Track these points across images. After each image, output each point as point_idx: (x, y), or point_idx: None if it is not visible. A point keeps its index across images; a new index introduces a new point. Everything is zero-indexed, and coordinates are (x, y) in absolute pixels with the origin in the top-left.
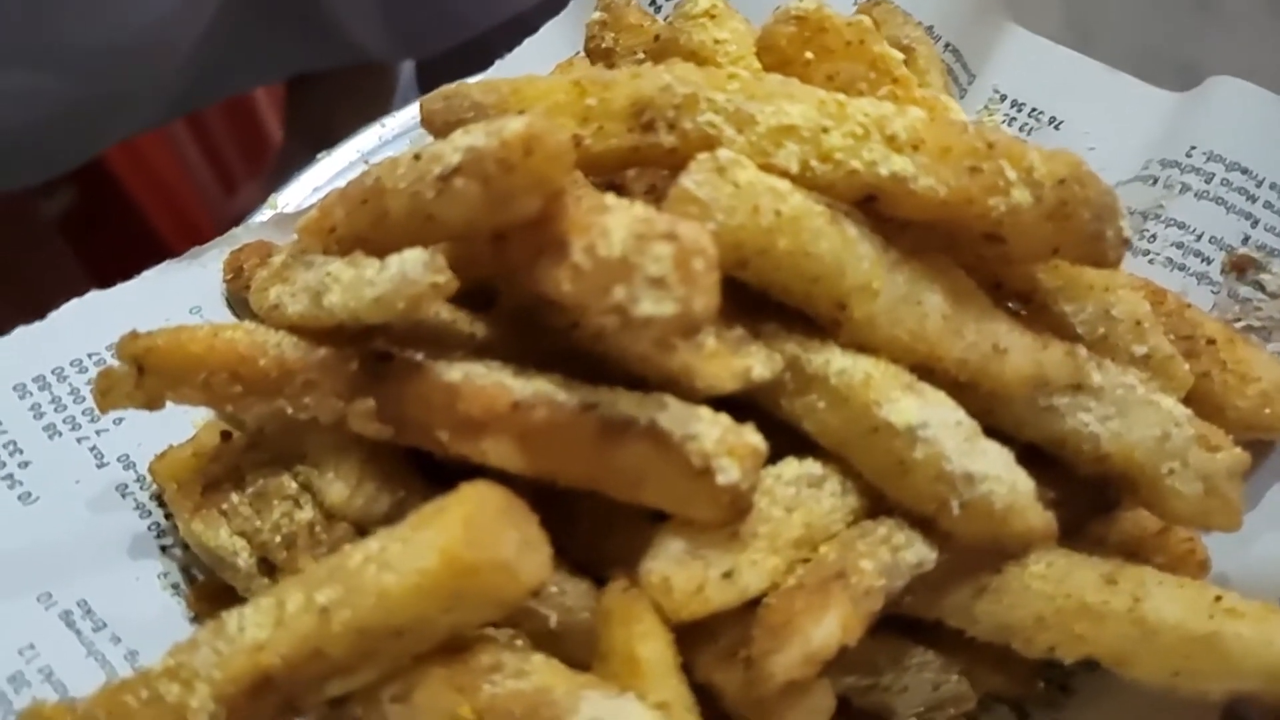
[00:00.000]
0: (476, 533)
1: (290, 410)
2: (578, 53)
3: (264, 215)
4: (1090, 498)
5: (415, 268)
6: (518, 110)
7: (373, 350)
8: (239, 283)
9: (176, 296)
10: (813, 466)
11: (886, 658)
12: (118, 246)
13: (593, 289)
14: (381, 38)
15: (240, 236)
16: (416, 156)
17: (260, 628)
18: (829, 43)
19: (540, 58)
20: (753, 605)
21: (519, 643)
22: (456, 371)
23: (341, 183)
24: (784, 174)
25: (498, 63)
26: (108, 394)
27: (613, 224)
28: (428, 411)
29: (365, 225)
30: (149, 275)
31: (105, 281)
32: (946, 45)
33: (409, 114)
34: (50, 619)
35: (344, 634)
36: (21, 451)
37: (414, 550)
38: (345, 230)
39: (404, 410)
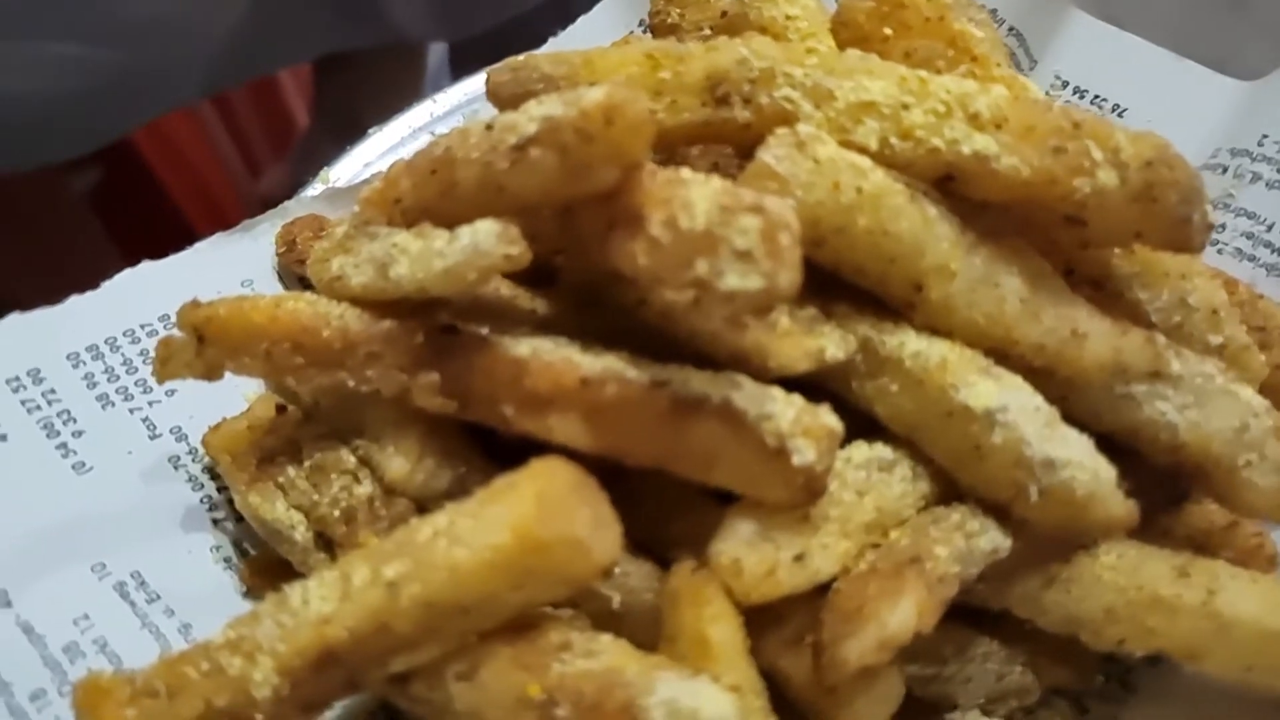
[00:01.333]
0: (549, 509)
1: (352, 383)
2: (631, 31)
3: (315, 189)
4: (1161, 489)
5: (488, 239)
6: (589, 82)
7: (438, 324)
8: (291, 256)
9: (228, 268)
10: (883, 450)
11: (952, 647)
12: (143, 225)
13: (672, 262)
14: (422, 17)
15: (292, 210)
16: (489, 126)
17: (325, 601)
18: (908, 19)
19: (594, 36)
20: (821, 590)
21: (578, 624)
22: (524, 347)
23: (393, 158)
24: (862, 151)
25: (551, 40)
26: (167, 363)
27: (695, 196)
28: (493, 386)
29: (433, 196)
30: (201, 247)
31: (134, 258)
32: (1010, 29)
33: (461, 90)
34: (104, 589)
35: (412, 609)
36: (75, 421)
37: (485, 526)
38: (411, 201)
39: (469, 385)
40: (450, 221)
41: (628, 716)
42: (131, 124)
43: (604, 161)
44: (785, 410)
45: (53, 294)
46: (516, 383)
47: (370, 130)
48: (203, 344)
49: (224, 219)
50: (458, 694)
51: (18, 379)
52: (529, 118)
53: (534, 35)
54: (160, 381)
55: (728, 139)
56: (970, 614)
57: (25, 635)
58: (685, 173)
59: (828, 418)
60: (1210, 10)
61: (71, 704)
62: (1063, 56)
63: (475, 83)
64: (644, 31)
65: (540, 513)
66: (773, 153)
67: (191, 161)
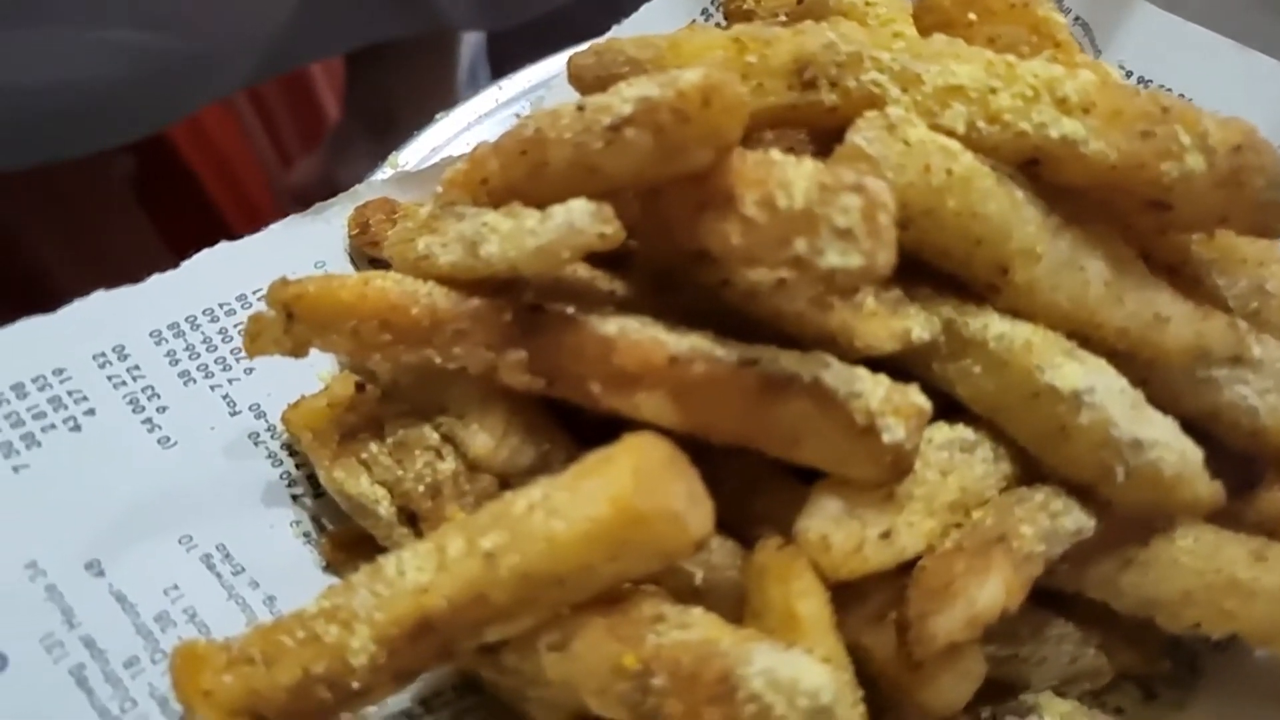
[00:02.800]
0: (646, 482)
1: (439, 360)
2: (693, 20)
3: (384, 174)
4: (1234, 474)
5: (582, 217)
6: (674, 66)
7: (525, 302)
8: (364, 238)
9: (301, 250)
10: (964, 432)
11: (1029, 628)
12: (177, 213)
13: (767, 241)
14: (470, 6)
15: (362, 194)
16: (580, 108)
17: (421, 572)
18: (991, 5)
19: (654, 25)
20: (904, 569)
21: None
22: (611, 325)
23: (460, 144)
24: (949, 135)
25: (614, 29)
26: (256, 339)
27: (793, 176)
28: (581, 364)
29: (521, 177)
30: (275, 229)
31: (173, 245)
32: (1075, 19)
33: (525, 77)
34: (192, 561)
35: (509, 579)
36: (159, 396)
37: (583, 498)
38: (498, 182)
39: (557, 362)
40: (538, 202)
41: (726, 686)
42: (182, 111)
43: (699, 142)
44: (874, 389)
45: (97, 279)
46: (604, 360)
47: (438, 116)
48: (291, 321)
49: (255, 208)
50: (550, 664)
51: (104, 355)
52: (623, 99)
53: (574, 25)
54: (251, 356)
55: (813, 123)
56: (1044, 596)
57: (119, 604)
58: (776, 155)
59: (916, 396)
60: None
61: (167, 670)
62: (1127, 47)
63: (539, 70)
64: (706, 20)
65: (638, 485)
66: (863, 135)
67: (223, 151)
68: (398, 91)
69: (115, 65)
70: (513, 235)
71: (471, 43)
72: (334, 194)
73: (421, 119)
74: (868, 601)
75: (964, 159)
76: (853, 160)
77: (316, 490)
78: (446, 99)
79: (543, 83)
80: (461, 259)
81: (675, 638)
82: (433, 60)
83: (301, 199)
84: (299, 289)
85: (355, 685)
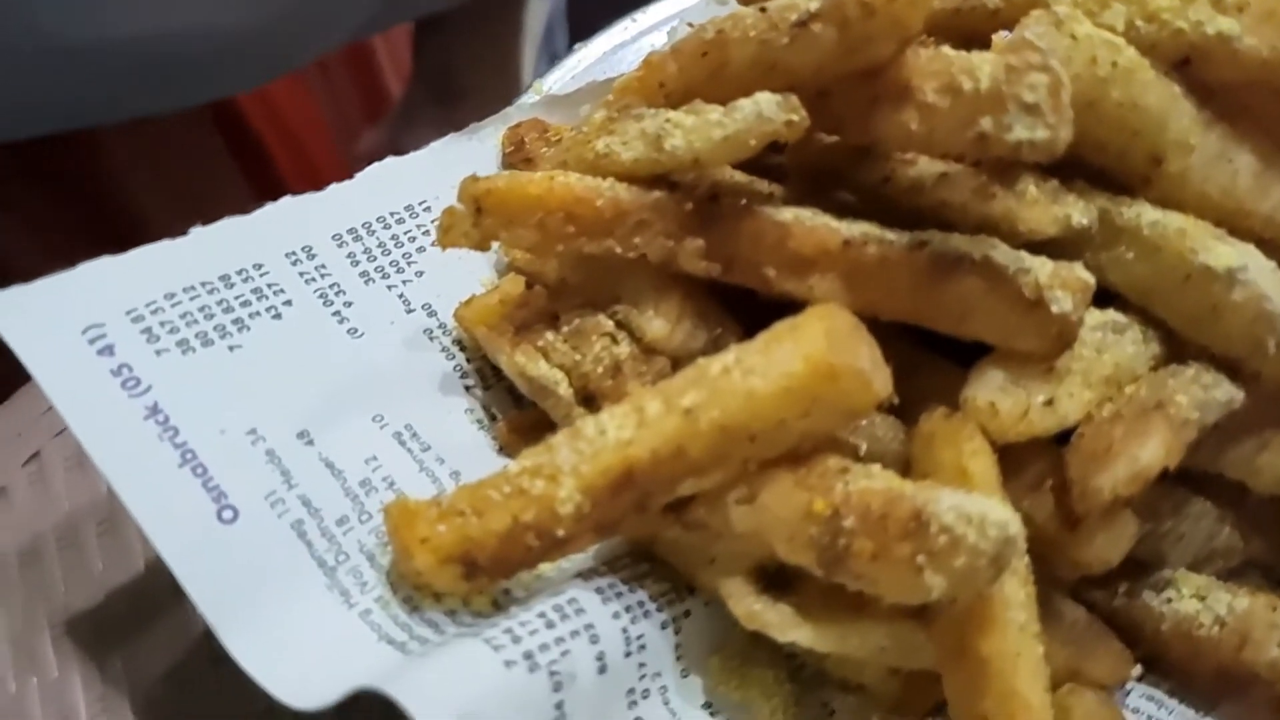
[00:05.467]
0: (837, 342)
1: (619, 250)
2: None
3: (531, 98)
4: None
5: (770, 106)
6: None
7: (705, 193)
8: (518, 155)
9: (458, 167)
10: (1115, 315)
11: (1170, 504)
12: (244, 173)
13: (950, 124)
14: None
15: (512, 115)
16: (763, 9)
17: (623, 429)
18: None
19: None
20: (1059, 440)
21: None
22: (786, 213)
23: (598, 72)
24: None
25: None
26: (448, 231)
27: (978, 62)
28: (758, 250)
29: (701, 78)
30: (435, 146)
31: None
32: None
33: (660, 10)
34: (385, 437)
35: (708, 432)
36: (344, 293)
37: (779, 357)
38: (676, 85)
39: (734, 249)
40: (718, 102)
41: (917, 522)
42: (296, 63)
43: (883, 35)
44: (1042, 266)
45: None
46: (780, 246)
47: (575, 46)
48: (480, 215)
49: (320, 179)
50: (738, 517)
51: (294, 253)
52: None
53: None
54: (443, 248)
55: (976, 26)
56: (1182, 477)
57: (328, 470)
58: (948, 50)
59: (1081, 272)
60: None
61: (374, 530)
62: None
63: (671, 4)
64: None
65: (830, 345)
66: (1033, 30)
67: (290, 120)
68: (463, 58)
69: (242, 10)
70: (698, 128)
71: (544, 9)
72: None
73: (486, 88)
74: (1025, 471)
75: (1128, 52)
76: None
77: (485, 383)
78: (512, 68)
79: (678, 13)
80: (644, 154)
81: (863, 485)
82: (499, 29)
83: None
84: (489, 184)
85: (560, 533)
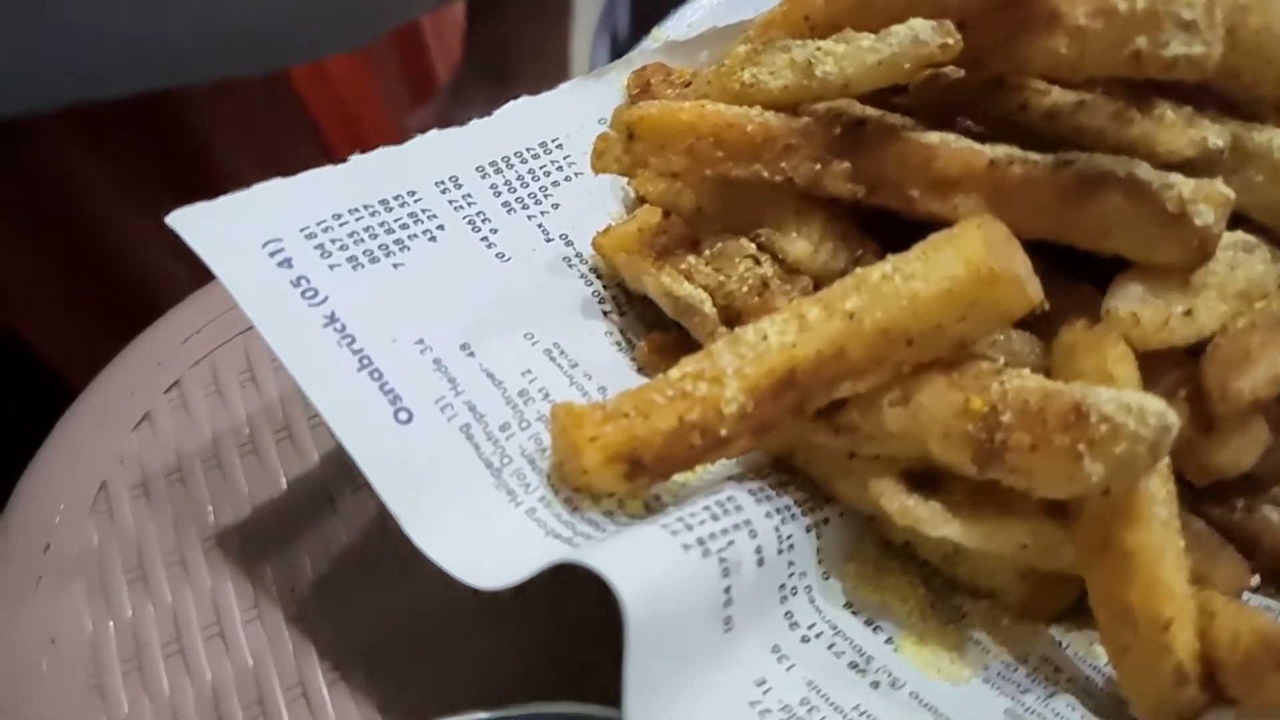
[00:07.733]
0: (995, 248)
1: (766, 174)
2: None
3: (653, 44)
4: None
5: (925, 30)
6: None
7: (853, 118)
8: (644, 96)
9: (586, 107)
10: (1244, 236)
11: None
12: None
13: (1103, 45)
14: None
15: (635, 60)
16: None
17: (785, 334)
18: None
19: None
20: (1191, 353)
21: None
22: (932, 136)
23: (719, 16)
24: None
25: None
26: (601, 156)
27: None
28: (904, 171)
29: (847, 9)
30: (564, 88)
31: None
32: None
33: None
34: (537, 353)
35: (870, 334)
36: (490, 220)
37: (939, 262)
38: (822, 16)
39: (880, 171)
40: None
41: (1077, 414)
42: (371, 34)
43: None
44: (1184, 182)
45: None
46: (926, 167)
47: None
48: (631, 141)
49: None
50: (892, 418)
51: (443, 182)
52: None
53: None
54: (596, 173)
55: None
56: None
57: (489, 379)
58: None
59: (1222, 187)
60: None
61: (545, 428)
62: None
63: None
64: None
65: (989, 249)
66: None
67: (343, 97)
68: (514, 34)
69: None
70: (851, 54)
71: None
72: None
73: (536, 66)
74: (1160, 381)
75: None
76: None
77: (620, 309)
78: (563, 46)
79: None
80: (793, 81)
81: (1018, 384)
82: (549, 7)
83: None
84: (641, 111)
85: (723, 432)
